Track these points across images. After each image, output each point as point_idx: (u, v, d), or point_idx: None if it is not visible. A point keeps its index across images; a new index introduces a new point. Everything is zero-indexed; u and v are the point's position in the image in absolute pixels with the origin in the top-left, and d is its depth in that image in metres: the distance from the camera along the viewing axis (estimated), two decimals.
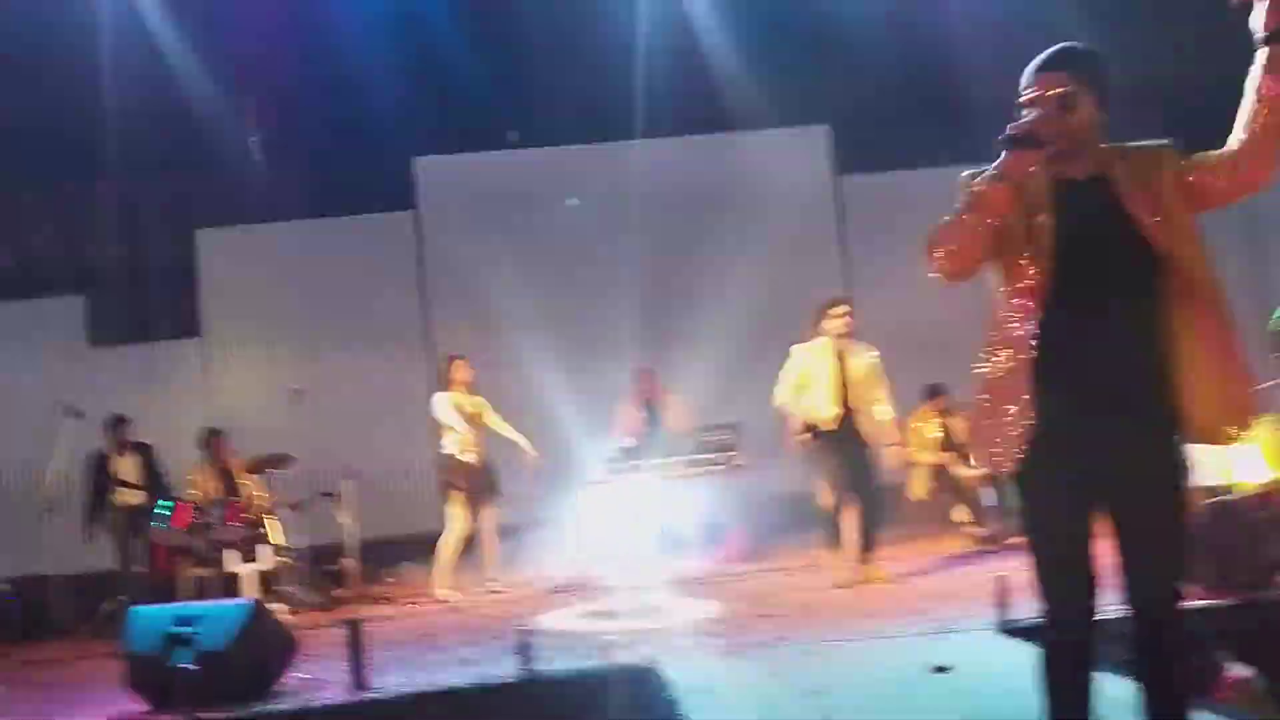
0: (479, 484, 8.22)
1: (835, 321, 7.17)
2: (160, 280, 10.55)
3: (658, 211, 10.40)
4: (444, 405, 8.40)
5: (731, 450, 8.57)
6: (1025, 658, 4.12)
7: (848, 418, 7.10)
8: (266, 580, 7.98)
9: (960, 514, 8.67)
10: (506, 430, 8.41)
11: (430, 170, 10.70)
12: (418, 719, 4.87)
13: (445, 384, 8.45)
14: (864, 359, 7.20)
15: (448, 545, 8.25)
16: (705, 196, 10.50)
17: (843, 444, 7.08)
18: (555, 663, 5.25)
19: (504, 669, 5.22)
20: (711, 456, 8.49)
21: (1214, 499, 5.89)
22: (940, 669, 4.36)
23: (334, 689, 5.25)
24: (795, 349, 7.29)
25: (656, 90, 10.21)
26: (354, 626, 5.33)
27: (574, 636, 6.08)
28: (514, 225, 10.50)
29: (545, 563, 8.82)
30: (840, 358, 7.14)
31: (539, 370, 9.85)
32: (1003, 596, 5.18)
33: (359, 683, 5.17)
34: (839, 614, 5.99)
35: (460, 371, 8.41)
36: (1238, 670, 4.38)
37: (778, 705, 4.18)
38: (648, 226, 10.33)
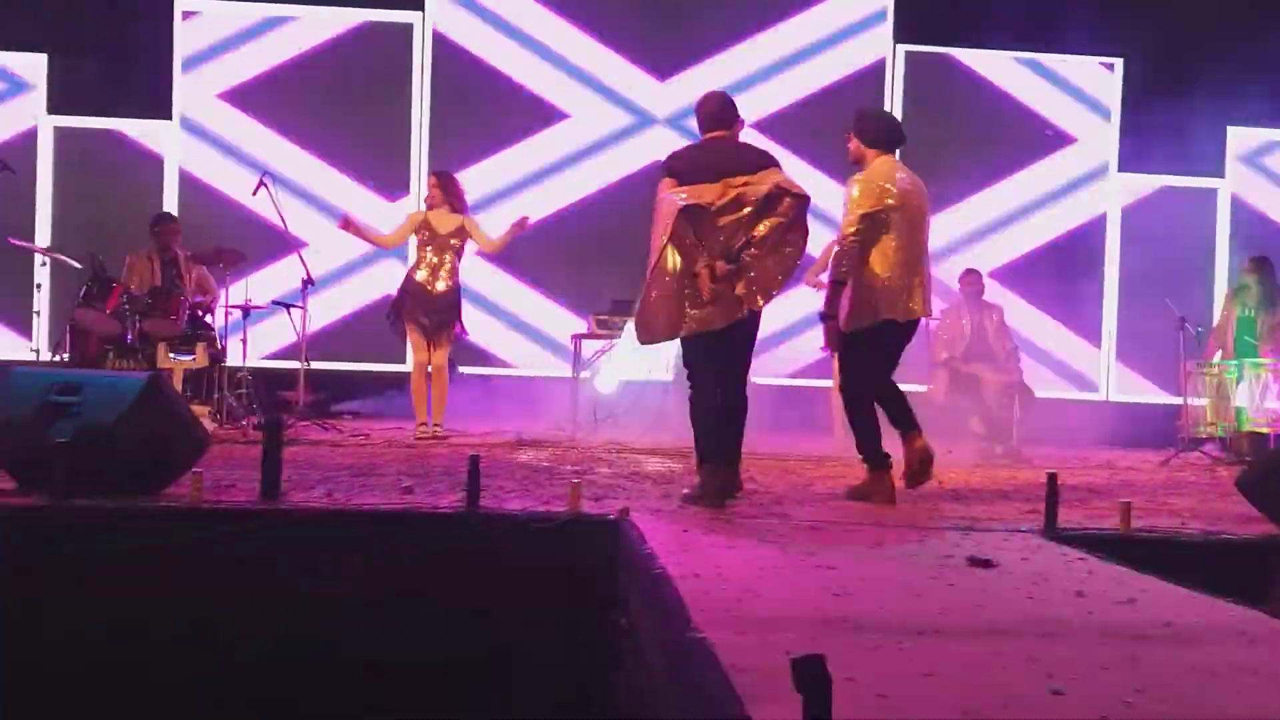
0: (430, 312, 7.18)
1: None
2: (134, 51, 9.37)
3: None
4: (403, 221, 7.47)
5: None
6: (1078, 563, 3.36)
7: None
8: (198, 382, 7.10)
9: (976, 424, 7.77)
10: (492, 238, 7.34)
11: None
12: (327, 535, 3.96)
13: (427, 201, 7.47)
14: None
15: (413, 379, 7.39)
16: None
17: None
18: (508, 504, 4.40)
19: (445, 501, 4.36)
20: None
21: None
22: (980, 562, 3.47)
23: (238, 494, 4.38)
24: None
25: None
26: (272, 429, 4.43)
27: (536, 484, 5.19)
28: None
29: (516, 415, 8.01)
30: None
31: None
32: (1049, 502, 4.32)
33: (268, 490, 4.28)
34: (845, 504, 5.05)
35: (433, 189, 7.36)
36: None
37: (778, 572, 3.27)
38: None
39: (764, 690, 2.00)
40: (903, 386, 5.07)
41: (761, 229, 4.53)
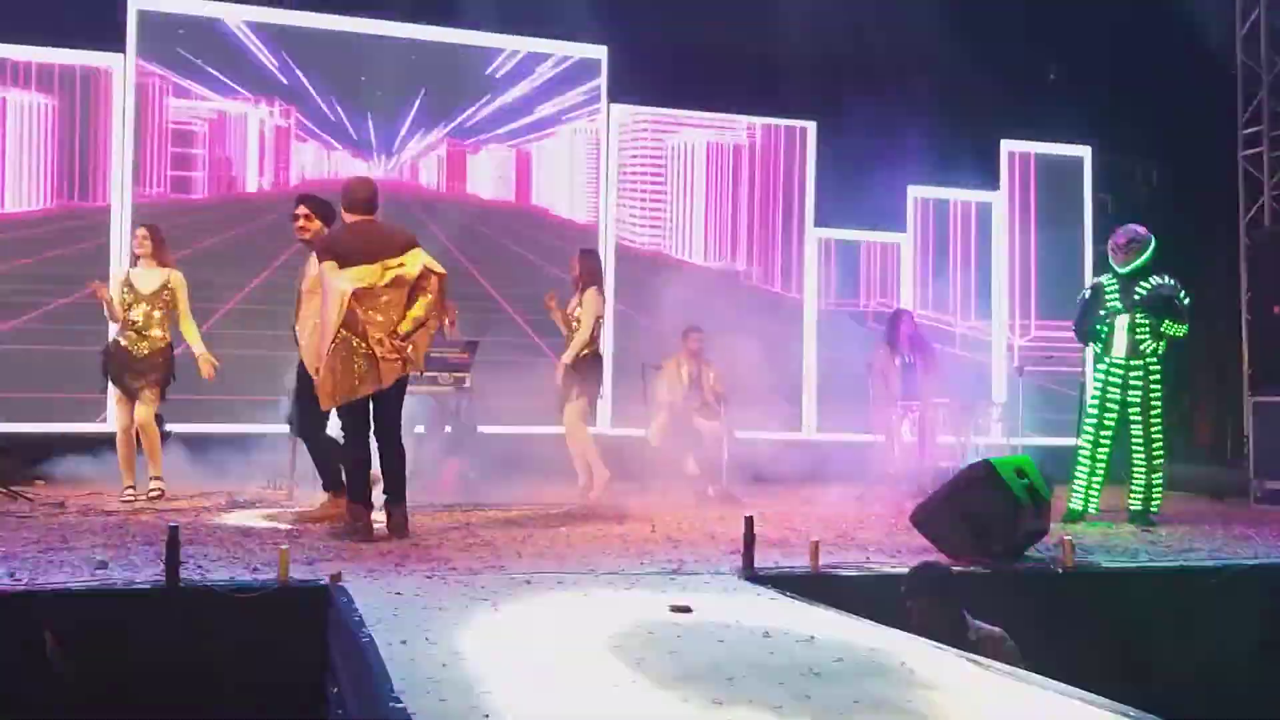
0: (125, 370, 6.91)
1: None
2: None
3: None
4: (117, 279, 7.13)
5: (464, 372, 7.79)
6: (768, 603, 3.62)
7: None
8: None
9: (692, 465, 8.13)
10: (187, 323, 7.06)
11: None
12: (9, 620, 3.69)
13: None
14: None
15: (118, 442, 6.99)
16: None
17: None
18: (212, 575, 4.23)
19: (142, 575, 4.15)
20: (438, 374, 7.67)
21: (974, 470, 5.56)
22: (680, 609, 3.66)
23: None
24: None
25: None
26: None
27: (245, 549, 5.01)
28: None
29: (236, 473, 7.68)
30: None
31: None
32: (746, 544, 4.61)
33: None
34: (565, 554, 5.19)
35: (140, 241, 7.07)
36: (986, 629, 4.05)
37: (487, 631, 3.33)
38: None
39: None
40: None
41: (418, 308, 5.44)
